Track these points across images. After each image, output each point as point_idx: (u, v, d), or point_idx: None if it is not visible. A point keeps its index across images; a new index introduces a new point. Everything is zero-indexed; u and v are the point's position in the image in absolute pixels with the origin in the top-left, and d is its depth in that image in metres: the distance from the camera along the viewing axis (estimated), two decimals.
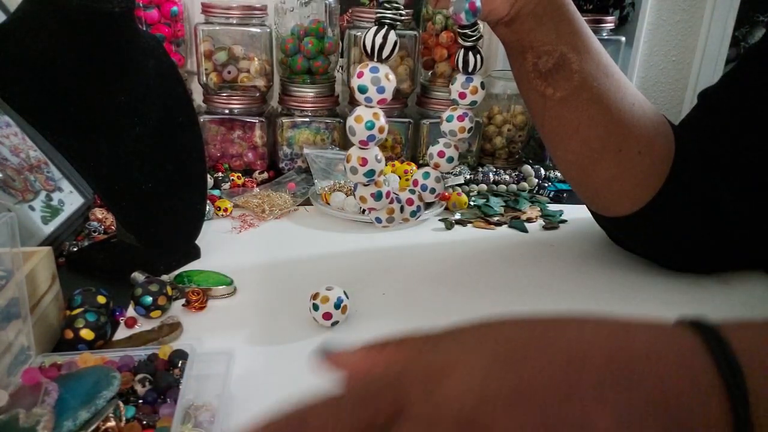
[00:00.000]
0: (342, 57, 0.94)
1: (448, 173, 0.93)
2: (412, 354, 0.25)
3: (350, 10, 0.94)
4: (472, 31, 0.52)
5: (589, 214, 0.72)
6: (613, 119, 0.53)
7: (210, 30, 0.87)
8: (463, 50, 0.53)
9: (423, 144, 0.95)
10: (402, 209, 0.57)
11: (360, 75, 0.47)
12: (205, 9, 0.87)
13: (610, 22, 0.98)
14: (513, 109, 0.99)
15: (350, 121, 0.48)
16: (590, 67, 0.52)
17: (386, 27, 0.47)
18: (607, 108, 0.53)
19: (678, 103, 1.17)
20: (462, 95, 0.54)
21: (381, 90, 0.47)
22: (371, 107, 0.48)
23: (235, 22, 0.87)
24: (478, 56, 0.53)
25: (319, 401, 0.23)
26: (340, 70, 0.96)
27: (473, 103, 0.54)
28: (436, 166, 0.57)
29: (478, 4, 0.46)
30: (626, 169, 0.56)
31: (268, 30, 0.88)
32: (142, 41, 0.59)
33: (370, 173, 0.50)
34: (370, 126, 0.47)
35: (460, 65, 0.53)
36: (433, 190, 0.57)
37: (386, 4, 0.46)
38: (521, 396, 0.21)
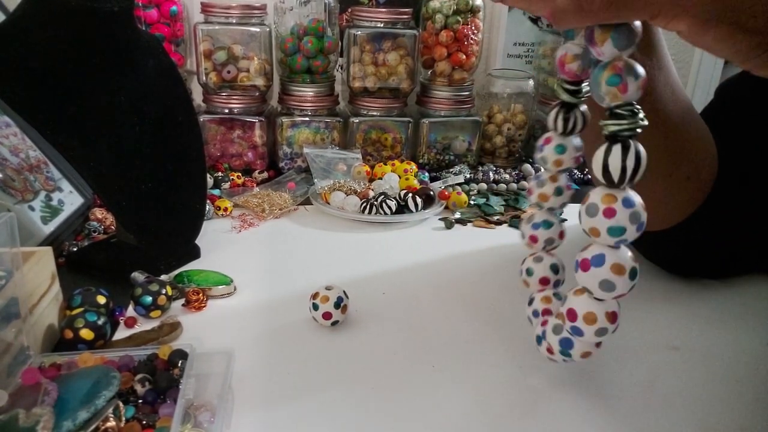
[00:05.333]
0: (341, 56, 0.94)
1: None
2: None
3: (350, 10, 0.94)
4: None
5: None
6: (670, 144, 0.50)
7: (209, 29, 0.87)
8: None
9: (423, 143, 0.95)
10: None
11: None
12: (205, 8, 0.87)
13: None
14: (513, 108, 0.99)
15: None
16: (663, 88, 0.48)
17: (623, 143, 0.32)
18: (668, 133, 0.50)
19: (693, 109, 1.16)
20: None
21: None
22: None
23: (234, 21, 0.87)
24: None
25: None
26: (340, 70, 0.96)
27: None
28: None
29: None
30: (672, 193, 0.54)
31: (268, 29, 0.88)
32: (141, 41, 0.59)
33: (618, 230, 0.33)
34: None
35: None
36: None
37: (619, 112, 0.32)
38: None
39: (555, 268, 0.45)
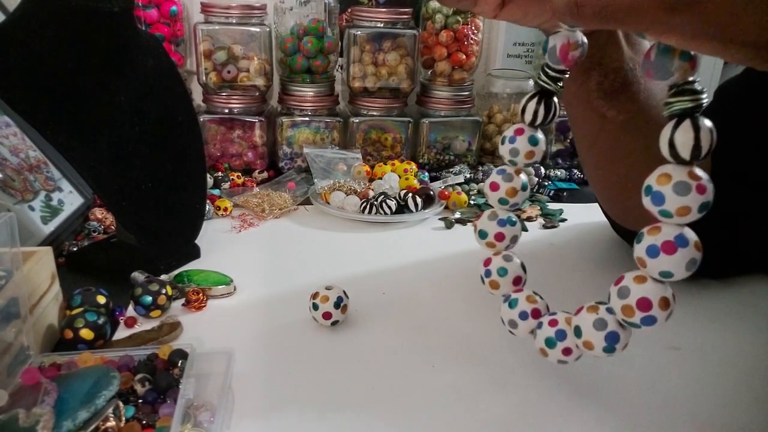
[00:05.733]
0: (341, 56, 0.94)
1: (450, 172, 0.92)
2: None
3: (350, 10, 0.94)
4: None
5: (589, 213, 0.72)
6: (656, 139, 0.51)
7: (209, 29, 0.87)
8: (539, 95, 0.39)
9: (423, 143, 0.95)
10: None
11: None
12: (205, 8, 0.87)
13: None
14: (513, 108, 0.99)
15: None
16: (653, 85, 0.47)
17: (692, 119, 0.32)
18: (653, 128, 0.49)
19: None
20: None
21: None
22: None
23: (234, 21, 0.87)
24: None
25: None
26: (340, 70, 0.96)
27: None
28: None
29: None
30: None
31: (268, 29, 0.88)
32: (141, 41, 0.59)
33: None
34: None
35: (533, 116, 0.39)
36: None
37: (687, 88, 0.32)
38: None
39: (523, 267, 0.43)
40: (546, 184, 0.91)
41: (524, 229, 0.75)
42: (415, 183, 0.83)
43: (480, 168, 0.94)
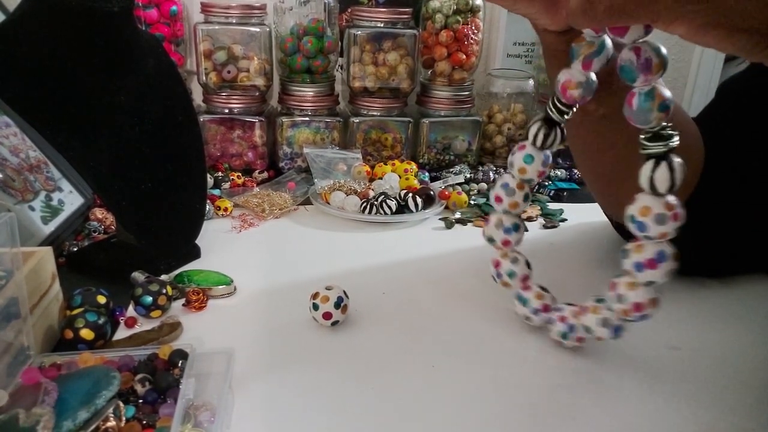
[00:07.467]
0: (341, 56, 0.94)
1: (449, 172, 0.93)
2: None
3: (349, 9, 0.94)
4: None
5: (589, 213, 0.72)
6: None
7: (209, 29, 0.87)
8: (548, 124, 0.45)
9: (423, 143, 0.95)
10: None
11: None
12: (205, 8, 0.87)
13: None
14: (513, 107, 0.99)
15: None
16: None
17: (667, 162, 0.37)
18: None
19: (677, 101, 1.17)
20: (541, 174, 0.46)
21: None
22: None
23: (234, 21, 0.87)
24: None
25: None
26: (340, 70, 0.96)
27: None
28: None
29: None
30: None
31: (268, 29, 0.88)
32: (141, 41, 0.59)
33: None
34: None
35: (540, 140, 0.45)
36: None
37: (662, 133, 0.37)
38: None
39: (528, 264, 0.49)
40: (546, 184, 0.91)
41: (524, 229, 0.75)
42: (415, 183, 0.83)
43: (480, 168, 0.94)
